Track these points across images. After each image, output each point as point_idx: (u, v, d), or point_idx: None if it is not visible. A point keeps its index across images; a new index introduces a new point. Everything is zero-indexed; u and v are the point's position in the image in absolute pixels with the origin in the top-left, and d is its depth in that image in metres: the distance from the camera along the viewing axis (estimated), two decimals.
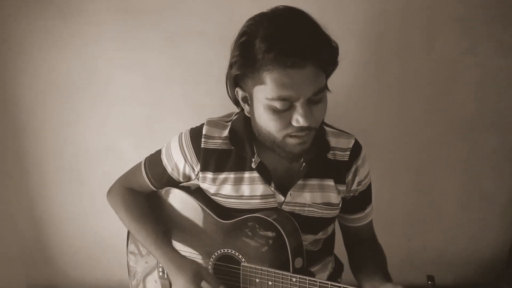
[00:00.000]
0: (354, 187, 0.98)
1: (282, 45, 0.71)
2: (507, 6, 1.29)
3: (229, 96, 0.90)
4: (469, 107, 1.40)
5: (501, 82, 1.37)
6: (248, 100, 0.84)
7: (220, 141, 0.94)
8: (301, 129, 0.79)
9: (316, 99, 0.78)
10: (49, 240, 1.61)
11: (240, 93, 0.85)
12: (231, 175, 0.94)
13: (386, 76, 1.37)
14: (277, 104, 0.76)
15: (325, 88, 0.81)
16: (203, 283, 0.89)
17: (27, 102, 1.44)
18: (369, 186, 1.03)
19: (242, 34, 0.78)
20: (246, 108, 0.86)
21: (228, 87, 0.88)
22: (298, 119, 0.77)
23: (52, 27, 1.35)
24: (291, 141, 0.81)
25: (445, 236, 1.56)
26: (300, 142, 0.81)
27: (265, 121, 0.80)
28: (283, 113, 0.78)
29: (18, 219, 1.57)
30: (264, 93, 0.76)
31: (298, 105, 0.76)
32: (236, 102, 0.90)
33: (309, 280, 0.83)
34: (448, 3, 1.29)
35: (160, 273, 1.05)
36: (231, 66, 0.81)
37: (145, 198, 1.06)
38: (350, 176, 0.97)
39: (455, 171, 1.48)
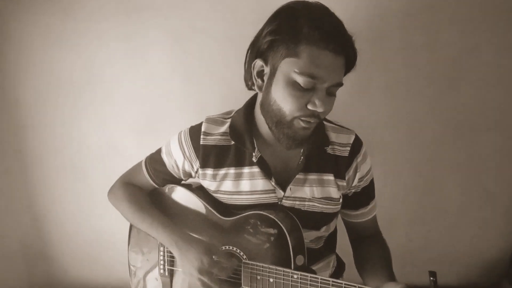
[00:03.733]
0: (355, 183, 0.98)
1: (328, 28, 0.76)
2: (510, 5, 1.28)
3: (244, 68, 0.90)
4: (472, 106, 1.39)
5: (504, 82, 1.36)
6: (265, 74, 0.84)
7: (219, 137, 0.95)
8: (313, 114, 0.80)
9: (333, 91, 0.81)
10: (49, 238, 1.61)
11: (257, 65, 0.85)
12: (231, 171, 0.94)
13: (388, 75, 1.36)
14: (302, 81, 0.77)
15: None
16: (215, 256, 0.90)
17: (28, 99, 1.44)
18: (372, 182, 1.03)
19: (284, 9, 0.81)
20: (259, 82, 0.86)
21: (247, 59, 0.88)
22: (316, 103, 0.79)
23: (54, 24, 1.35)
24: (299, 124, 0.82)
25: (447, 235, 1.56)
26: (306, 126, 0.82)
27: (282, 96, 0.80)
28: (302, 92, 0.79)
29: (19, 216, 1.57)
30: (295, 66, 0.77)
31: (320, 89, 0.79)
32: (247, 79, 0.90)
33: (310, 277, 0.82)
34: (451, 2, 1.28)
35: (161, 271, 1.05)
36: (266, 35, 0.81)
37: (147, 192, 1.07)
38: (351, 173, 0.96)
39: (458, 170, 1.47)
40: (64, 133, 1.47)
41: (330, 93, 0.81)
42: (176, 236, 0.94)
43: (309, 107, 0.80)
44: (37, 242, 1.61)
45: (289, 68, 0.78)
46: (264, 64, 0.83)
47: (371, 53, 1.32)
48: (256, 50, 0.84)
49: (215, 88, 1.39)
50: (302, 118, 0.81)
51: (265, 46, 0.81)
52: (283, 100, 0.80)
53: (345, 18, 0.80)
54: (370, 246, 1.01)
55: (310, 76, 0.76)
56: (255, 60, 0.84)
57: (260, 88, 0.86)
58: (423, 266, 1.59)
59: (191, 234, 0.99)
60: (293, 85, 0.78)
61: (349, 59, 0.80)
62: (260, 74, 0.85)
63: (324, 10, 0.80)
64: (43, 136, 1.48)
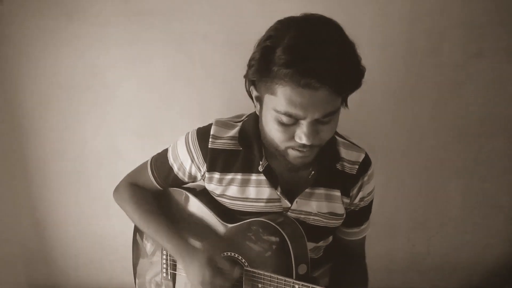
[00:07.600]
0: (356, 201, 0.97)
1: (302, 63, 0.68)
2: None
3: (246, 90, 0.88)
4: (475, 112, 1.38)
5: (508, 87, 1.35)
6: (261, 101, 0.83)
7: (228, 141, 0.93)
8: (303, 145, 0.78)
9: (324, 121, 0.76)
10: (51, 242, 1.61)
11: (254, 92, 0.84)
12: (238, 176, 0.93)
13: (392, 80, 1.35)
14: (284, 118, 0.75)
15: (338, 110, 0.77)
16: (219, 264, 0.89)
17: (30, 103, 1.43)
18: (371, 203, 1.02)
19: (267, 37, 0.75)
20: (258, 107, 0.85)
21: (246, 83, 0.86)
22: (301, 137, 0.76)
23: (56, 27, 1.34)
24: (293, 153, 0.81)
25: (450, 241, 1.55)
26: (301, 156, 0.81)
27: (270, 129, 0.80)
28: (288, 127, 0.77)
29: (20, 220, 1.57)
30: (273, 104, 0.75)
31: (304, 124, 0.75)
32: (251, 97, 0.89)
33: (312, 287, 0.82)
34: (455, 6, 1.28)
35: (164, 274, 1.05)
36: (249, 67, 0.79)
37: (152, 194, 1.06)
38: (355, 191, 0.96)
39: (461, 176, 1.47)
40: (66, 137, 1.46)
41: (322, 123, 0.76)
42: (181, 248, 0.94)
43: (296, 140, 0.77)
44: (38, 246, 1.61)
45: (270, 105, 0.76)
46: (257, 92, 0.82)
47: (374, 58, 1.31)
48: (249, 78, 0.82)
49: (218, 93, 1.39)
50: (294, 148, 0.80)
51: (252, 78, 0.79)
52: (272, 133, 0.80)
53: (347, 24, 0.77)
54: (350, 266, 1.01)
55: (287, 115, 0.74)
56: (251, 87, 0.84)
57: (259, 112, 0.86)
58: (426, 272, 1.59)
59: (194, 241, 0.99)
60: (276, 120, 0.77)
61: (340, 86, 0.71)
62: (258, 99, 0.84)
63: (309, 31, 0.71)
64: (45, 140, 1.47)
